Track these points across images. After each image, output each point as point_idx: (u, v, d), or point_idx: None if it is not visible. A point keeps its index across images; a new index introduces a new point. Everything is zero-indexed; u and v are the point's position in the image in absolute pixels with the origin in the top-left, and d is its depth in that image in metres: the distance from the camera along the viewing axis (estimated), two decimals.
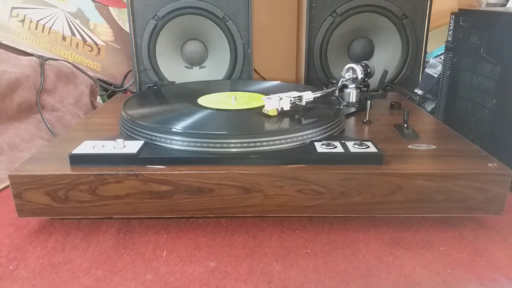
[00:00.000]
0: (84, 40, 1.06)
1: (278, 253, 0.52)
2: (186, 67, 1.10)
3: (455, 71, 0.86)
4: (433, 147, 0.62)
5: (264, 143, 0.57)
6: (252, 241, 0.55)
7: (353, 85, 0.84)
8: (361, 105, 0.84)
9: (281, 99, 0.64)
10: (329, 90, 0.71)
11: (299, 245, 0.54)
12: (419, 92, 1.09)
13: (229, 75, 1.08)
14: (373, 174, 0.54)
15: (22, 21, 1.00)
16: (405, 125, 0.68)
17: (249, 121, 0.63)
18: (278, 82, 0.91)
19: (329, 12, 1.05)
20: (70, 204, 0.55)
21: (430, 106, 1.08)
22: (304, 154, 0.56)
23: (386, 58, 1.10)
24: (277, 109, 0.65)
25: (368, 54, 1.11)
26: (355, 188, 0.54)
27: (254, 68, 1.27)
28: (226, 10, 1.04)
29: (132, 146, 0.57)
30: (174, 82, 1.03)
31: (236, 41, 1.06)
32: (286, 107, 0.65)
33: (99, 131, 0.70)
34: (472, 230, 0.57)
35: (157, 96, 0.81)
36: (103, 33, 1.09)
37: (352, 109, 0.81)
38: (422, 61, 1.08)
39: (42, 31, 1.01)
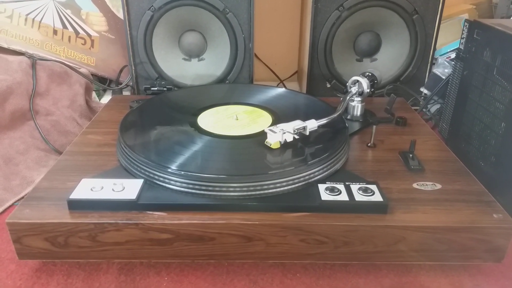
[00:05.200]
0: (77, 33, 1.01)
1: None
2: (184, 59, 1.06)
3: (465, 85, 0.83)
4: (438, 186, 0.61)
5: (271, 186, 0.56)
6: (253, 287, 0.55)
7: (359, 98, 0.81)
8: (365, 119, 0.82)
9: (284, 133, 0.62)
10: (335, 115, 0.68)
11: None
12: (425, 91, 1.06)
13: (229, 69, 1.05)
14: (377, 227, 0.53)
15: (10, 17, 0.94)
16: (411, 155, 0.67)
17: (251, 158, 0.61)
18: (283, 89, 0.88)
19: (336, 6, 1.00)
20: (70, 249, 0.54)
21: (434, 107, 1.05)
22: (307, 200, 0.55)
23: (393, 54, 1.06)
24: (280, 141, 0.63)
25: (374, 49, 1.07)
26: (359, 238, 0.54)
27: (255, 54, 1.23)
28: (227, 2, 0.98)
29: (131, 188, 0.56)
30: (172, 82, 1.00)
31: (237, 35, 1.01)
32: (289, 139, 0.63)
33: (96, 155, 0.68)
34: (471, 275, 0.58)
35: (154, 113, 0.78)
36: (96, 23, 1.03)
37: (357, 126, 0.79)
38: (430, 59, 1.04)
39: (32, 26, 0.95)
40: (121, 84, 1.05)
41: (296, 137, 0.63)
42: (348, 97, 0.77)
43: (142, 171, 0.59)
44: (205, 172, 0.56)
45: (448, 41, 1.16)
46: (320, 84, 1.07)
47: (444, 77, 0.99)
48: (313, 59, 1.05)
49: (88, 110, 0.95)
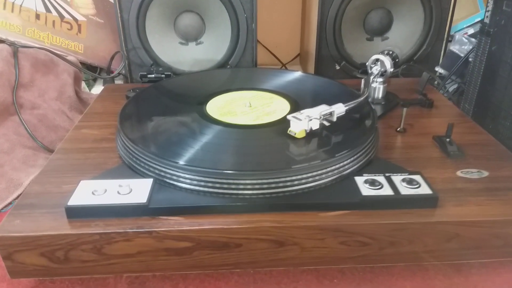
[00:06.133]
0: (62, 17, 0.91)
1: None
2: (181, 43, 0.97)
3: (493, 61, 0.76)
4: (485, 173, 0.54)
5: (302, 181, 0.48)
6: None
7: (381, 79, 0.73)
8: (388, 101, 0.75)
9: (310, 119, 0.54)
10: (361, 99, 0.61)
11: None
12: (440, 70, 0.99)
13: (231, 53, 0.96)
14: (428, 224, 0.46)
15: None
16: (448, 139, 0.60)
17: (276, 149, 0.54)
18: (298, 73, 0.79)
19: None
20: (71, 264, 0.46)
21: (451, 87, 0.99)
22: (346, 196, 0.48)
23: (406, 31, 0.99)
24: (305, 130, 0.55)
25: (386, 27, 0.99)
26: (407, 237, 0.47)
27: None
28: None
29: (140, 190, 0.48)
30: (170, 68, 0.91)
31: (238, 15, 0.93)
32: (315, 126, 0.56)
33: (93, 152, 0.59)
34: None
35: (156, 101, 0.69)
36: (82, 5, 0.94)
37: (379, 110, 0.72)
38: (446, 36, 0.97)
39: (12, 10, 0.85)
40: (112, 72, 0.96)
41: (327, 123, 0.56)
42: (371, 78, 0.70)
43: (151, 169, 0.51)
44: (227, 168, 0.48)
45: (460, 17, 1.09)
46: (329, 66, 0.99)
47: (462, 55, 0.93)
48: (321, 40, 0.97)
49: (78, 102, 0.86)
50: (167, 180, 0.49)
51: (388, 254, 0.48)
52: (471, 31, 1.00)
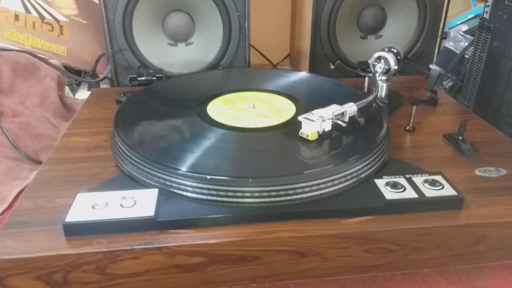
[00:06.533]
0: (42, 18, 0.85)
1: None
2: (170, 44, 0.93)
3: (494, 57, 0.75)
4: (504, 171, 0.52)
5: (321, 186, 0.45)
6: None
7: (384, 77, 0.71)
8: (391, 99, 0.73)
9: (324, 120, 0.51)
10: (371, 97, 0.58)
11: None
12: (435, 68, 0.98)
13: (222, 53, 0.92)
14: (455, 227, 0.44)
15: None
16: (460, 137, 0.58)
17: (290, 153, 0.50)
18: (304, 73, 0.76)
19: None
20: (70, 287, 0.42)
21: (447, 85, 0.98)
22: (368, 200, 0.45)
23: (400, 29, 0.97)
24: (318, 131, 0.52)
25: (380, 24, 0.98)
26: (433, 242, 0.44)
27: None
28: None
29: (145, 201, 0.44)
30: (161, 70, 0.86)
31: (230, 13, 0.89)
32: (328, 127, 0.53)
33: (87, 162, 0.55)
34: None
35: (153, 104, 0.65)
36: (64, 6, 0.88)
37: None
38: (440, 33, 0.97)
39: None
40: (97, 76, 0.90)
41: (343, 124, 0.53)
42: (377, 76, 0.67)
43: (155, 178, 0.47)
44: (241, 174, 0.44)
45: (451, 14, 1.09)
46: (323, 65, 0.97)
47: (458, 52, 0.92)
48: (316, 38, 0.94)
49: (62, 108, 0.80)
50: (174, 190, 0.45)
51: (412, 260, 0.45)
52: (464, 27, 1.00)
